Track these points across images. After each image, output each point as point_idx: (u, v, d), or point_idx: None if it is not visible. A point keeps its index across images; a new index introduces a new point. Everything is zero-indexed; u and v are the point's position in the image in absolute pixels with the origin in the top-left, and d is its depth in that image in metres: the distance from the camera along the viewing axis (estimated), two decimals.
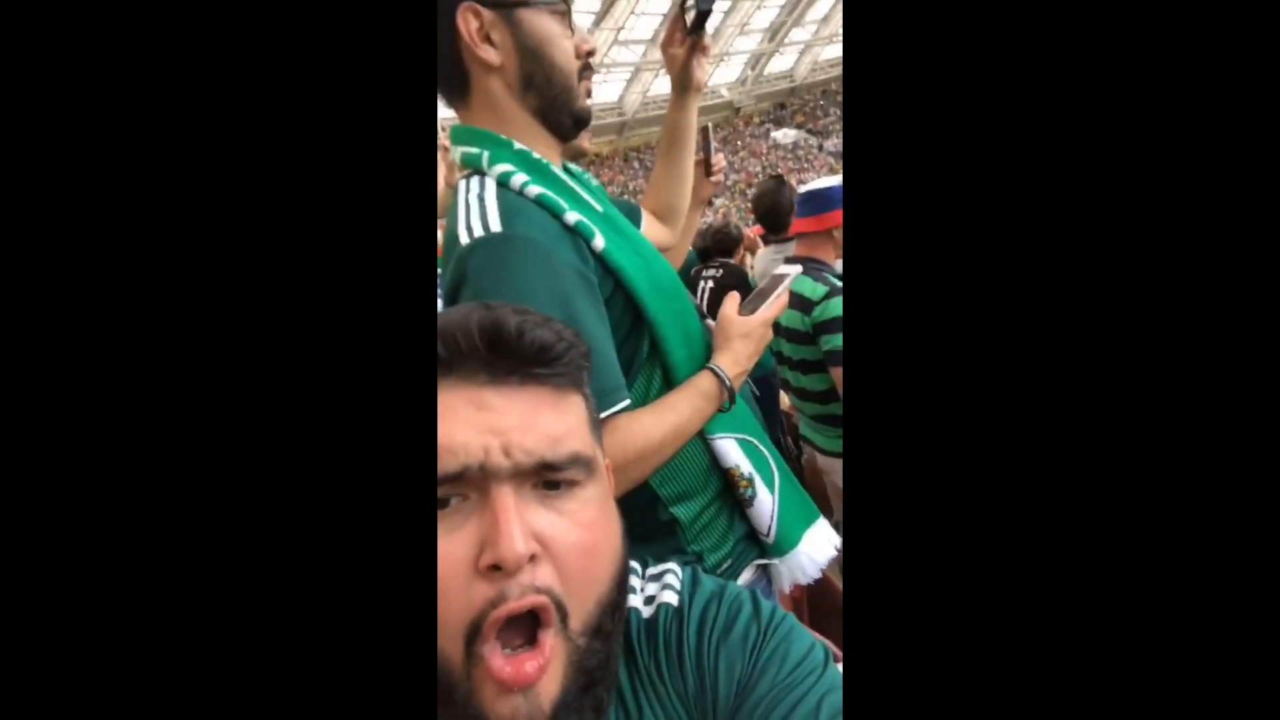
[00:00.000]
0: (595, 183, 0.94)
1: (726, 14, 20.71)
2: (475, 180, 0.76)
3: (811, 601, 1.14)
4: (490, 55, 0.77)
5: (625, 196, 1.52)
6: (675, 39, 1.01)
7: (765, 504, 0.83)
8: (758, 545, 0.86)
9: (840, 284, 1.66)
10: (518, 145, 0.78)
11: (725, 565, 0.83)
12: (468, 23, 0.75)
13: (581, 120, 0.84)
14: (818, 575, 0.86)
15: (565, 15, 0.80)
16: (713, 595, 0.47)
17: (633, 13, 19.58)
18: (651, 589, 0.48)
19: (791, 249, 1.97)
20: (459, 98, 0.81)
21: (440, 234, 0.82)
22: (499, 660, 0.35)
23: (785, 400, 2.29)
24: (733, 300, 0.84)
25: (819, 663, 0.42)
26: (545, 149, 0.81)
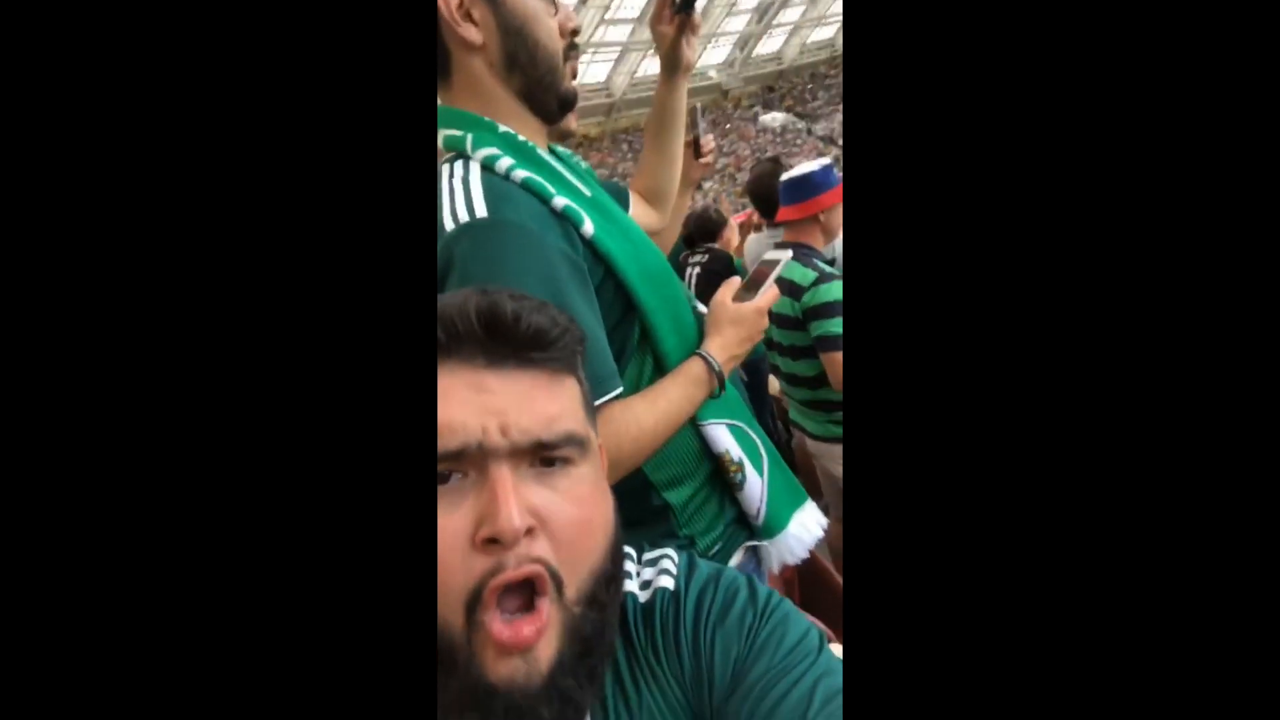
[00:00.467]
0: (585, 165, 0.93)
1: None
2: (459, 164, 0.74)
3: (802, 581, 1.16)
4: (471, 34, 0.74)
5: (614, 179, 1.50)
6: (664, 15, 0.98)
7: (755, 488, 0.84)
8: (748, 528, 0.86)
9: (829, 269, 1.66)
10: (502, 128, 0.76)
11: (716, 548, 0.84)
12: (447, 0, 0.73)
13: (567, 102, 0.82)
14: (805, 556, 0.87)
15: None
16: (709, 579, 0.47)
17: None
18: (648, 574, 0.49)
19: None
20: (440, 78, 0.78)
21: None
22: (498, 625, 0.37)
23: (775, 385, 2.30)
24: (729, 286, 0.84)
25: (814, 647, 0.43)
26: (530, 131, 0.79)
